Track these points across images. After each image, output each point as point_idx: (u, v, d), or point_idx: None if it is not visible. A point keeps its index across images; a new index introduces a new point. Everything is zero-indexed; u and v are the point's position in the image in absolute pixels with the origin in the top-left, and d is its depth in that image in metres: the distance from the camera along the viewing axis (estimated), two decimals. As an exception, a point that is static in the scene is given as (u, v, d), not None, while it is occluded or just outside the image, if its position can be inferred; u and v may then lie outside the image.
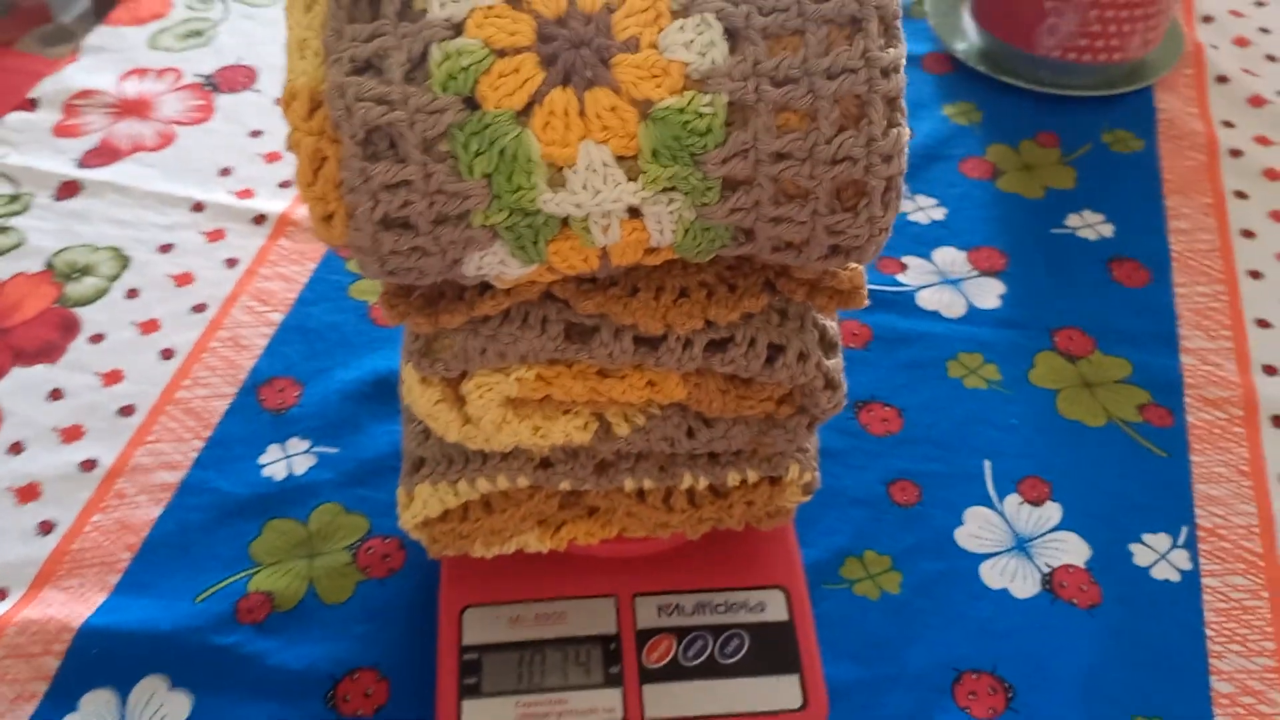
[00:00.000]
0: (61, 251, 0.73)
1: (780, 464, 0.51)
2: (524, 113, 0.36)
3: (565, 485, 0.51)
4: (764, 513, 0.53)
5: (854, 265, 0.45)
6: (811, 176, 0.37)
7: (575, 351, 0.45)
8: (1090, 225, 0.77)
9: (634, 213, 0.39)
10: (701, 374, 0.47)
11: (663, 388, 0.47)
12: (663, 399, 0.47)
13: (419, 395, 0.47)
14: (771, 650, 0.54)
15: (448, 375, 0.46)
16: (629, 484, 0.51)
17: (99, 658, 0.55)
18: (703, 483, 0.51)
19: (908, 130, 0.38)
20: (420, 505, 0.51)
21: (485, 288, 0.44)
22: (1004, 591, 0.58)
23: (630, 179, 0.37)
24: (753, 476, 0.51)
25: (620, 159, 0.37)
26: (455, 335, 0.45)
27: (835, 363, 0.47)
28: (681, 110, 0.36)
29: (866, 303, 0.46)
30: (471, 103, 0.36)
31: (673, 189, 0.38)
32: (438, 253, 0.39)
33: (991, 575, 0.59)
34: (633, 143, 0.37)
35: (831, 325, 0.48)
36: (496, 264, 0.40)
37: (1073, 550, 0.60)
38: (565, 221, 0.39)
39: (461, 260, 0.40)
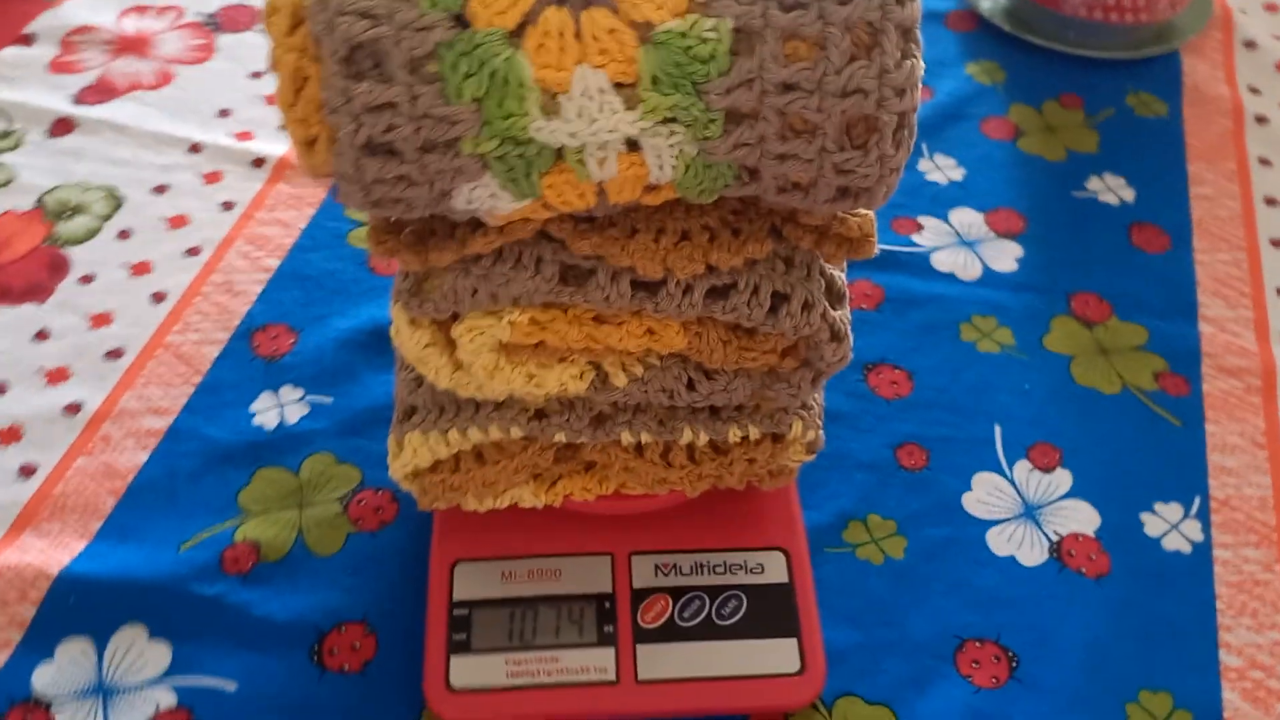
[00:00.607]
0: (53, 190, 0.72)
1: (783, 420, 0.49)
2: (516, 33, 0.34)
3: (561, 437, 0.49)
4: (765, 471, 0.52)
5: (863, 211, 0.43)
6: (820, 110, 0.35)
7: (570, 294, 0.43)
8: (1111, 189, 0.75)
9: (632, 145, 0.37)
10: (702, 323, 0.45)
11: (662, 336, 0.45)
12: (662, 348, 0.45)
13: (408, 337, 0.45)
14: (770, 613, 0.52)
15: (437, 317, 0.44)
16: (626, 437, 0.49)
17: (77, 605, 0.53)
18: (703, 438, 0.49)
19: (922, 64, 0.36)
20: (410, 454, 0.49)
21: (478, 225, 0.42)
22: (1011, 559, 0.56)
23: (628, 108, 0.35)
24: (755, 433, 0.50)
25: (618, 86, 0.35)
26: (446, 274, 0.43)
27: (842, 314, 0.45)
28: (684, 34, 0.34)
29: (876, 251, 0.44)
30: (461, 20, 0.34)
31: (673, 120, 0.36)
32: (425, 183, 0.38)
33: (999, 542, 0.57)
34: (631, 68, 0.35)
35: (839, 275, 0.46)
36: (488, 198, 0.38)
37: (1082, 518, 0.58)
38: (559, 153, 0.37)
39: (451, 192, 0.38)
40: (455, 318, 0.45)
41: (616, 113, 0.35)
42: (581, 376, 0.47)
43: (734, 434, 0.49)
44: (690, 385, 0.47)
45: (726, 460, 0.51)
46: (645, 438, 0.49)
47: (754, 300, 0.43)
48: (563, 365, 0.46)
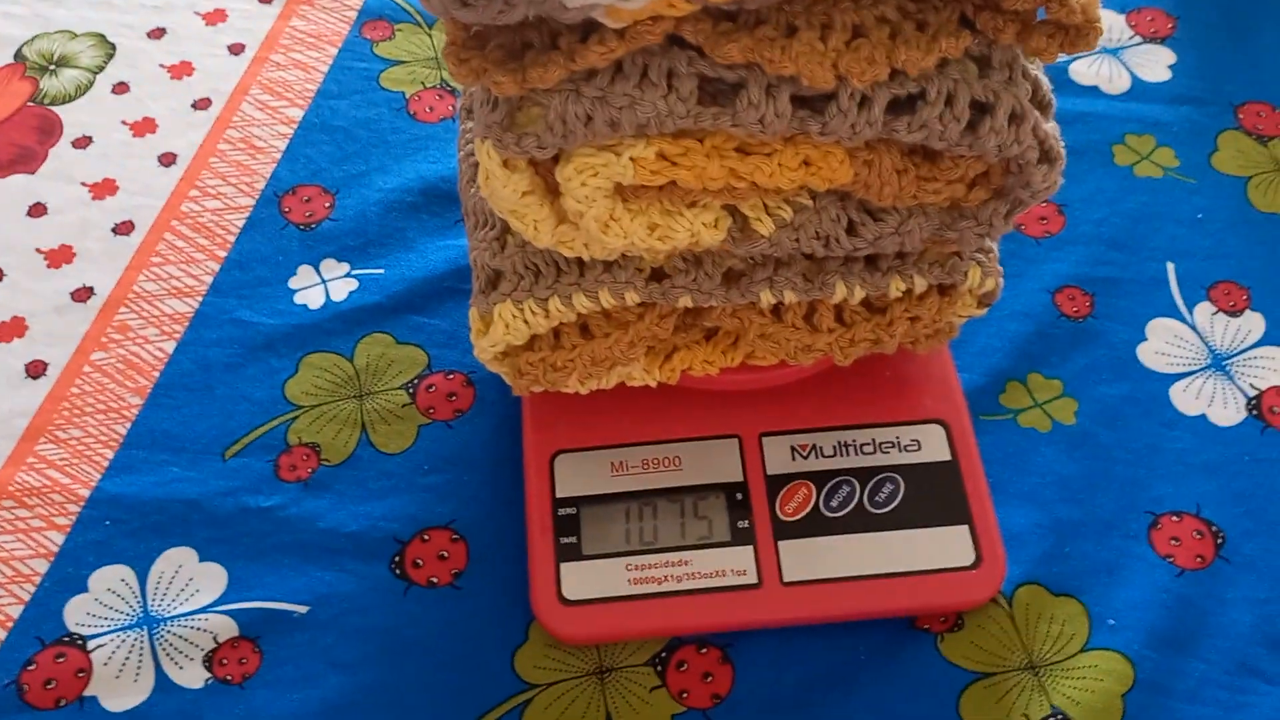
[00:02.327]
0: (33, 40, 0.62)
1: (957, 268, 0.40)
2: None
3: (685, 302, 0.40)
4: (926, 332, 0.43)
5: (1090, -15, 0.33)
6: None
7: (714, 118, 0.34)
8: (1273, -23, 0.64)
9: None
10: (873, 148, 0.36)
11: (822, 168, 0.36)
12: (820, 184, 0.36)
13: (501, 184, 0.36)
14: (933, 496, 0.44)
15: (539, 155, 0.35)
16: (766, 298, 0.40)
17: (111, 529, 0.45)
18: (859, 294, 0.40)
19: None
20: (501, 330, 0.41)
21: (589, 31, 0.32)
22: (1202, 418, 0.48)
23: None
24: (920, 285, 0.41)
25: None
26: (550, 99, 0.34)
27: (1052, 126, 0.36)
28: None
29: (1098, 41, 0.34)
30: None
31: None
32: (535, -34, 0.28)
33: (1185, 400, 0.49)
34: None
35: (1044, 79, 0.37)
36: (614, -14, 0.29)
37: (1283, 368, 0.49)
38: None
39: (567, -20, 0.29)
40: (561, 156, 0.35)
41: None
42: (716, 224, 0.37)
43: (896, 287, 0.40)
44: (851, 229, 0.38)
45: (884, 320, 0.42)
46: (789, 297, 0.40)
47: (949, 113, 0.34)
48: (694, 211, 0.37)
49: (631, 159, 0.35)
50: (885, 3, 0.34)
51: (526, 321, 0.40)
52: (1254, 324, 0.51)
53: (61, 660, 0.43)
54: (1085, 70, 0.60)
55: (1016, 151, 0.35)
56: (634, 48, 0.32)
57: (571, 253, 0.38)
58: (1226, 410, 0.48)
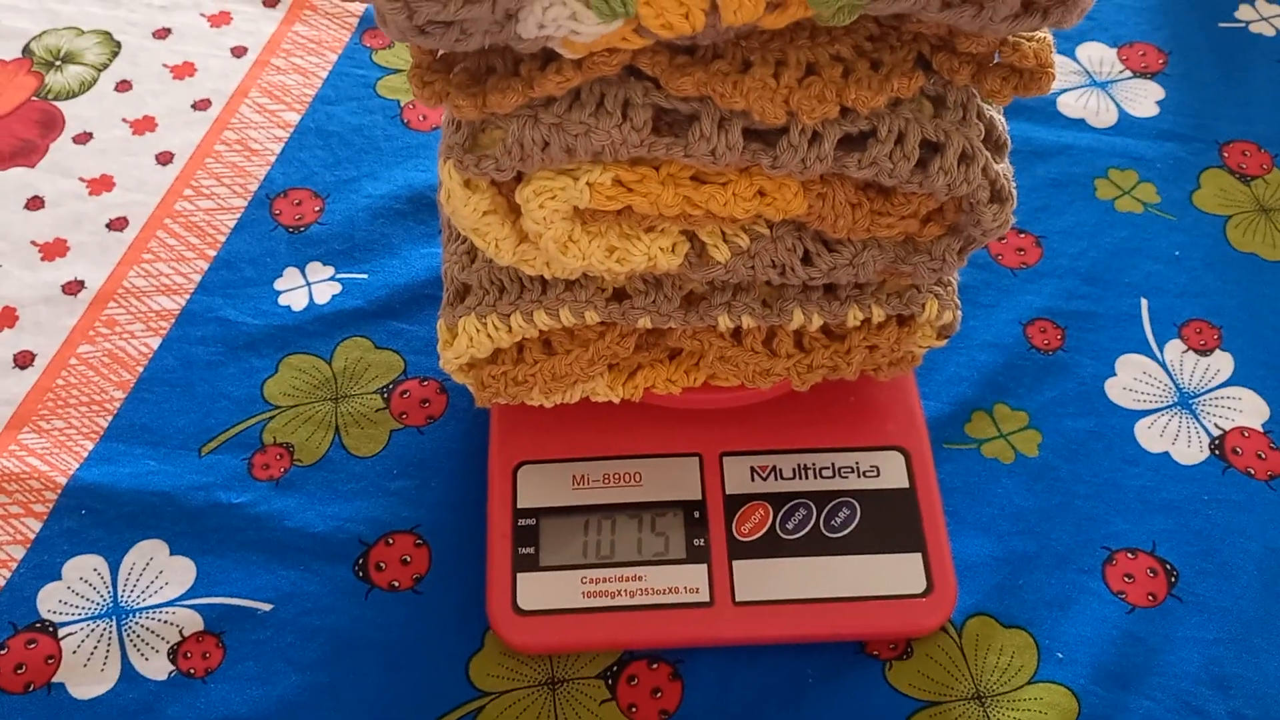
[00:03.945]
0: (40, 36, 0.63)
1: (914, 300, 0.41)
2: None
3: (645, 323, 0.41)
4: (886, 360, 0.43)
5: (1041, 32, 0.34)
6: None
7: (666, 147, 0.34)
8: (1267, 18, 0.64)
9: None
10: (828, 181, 0.36)
11: (777, 199, 0.36)
12: (775, 214, 0.37)
13: (462, 203, 0.37)
14: (888, 523, 0.45)
15: (499, 177, 0.36)
16: (724, 322, 0.41)
17: (86, 518, 0.46)
18: (816, 322, 0.41)
19: None
20: (465, 343, 0.42)
21: (549, 59, 0.33)
22: (1165, 456, 0.48)
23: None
24: (878, 315, 0.41)
25: None
26: (509, 123, 0.34)
27: (1004, 168, 0.36)
28: None
29: (1052, 86, 0.34)
30: None
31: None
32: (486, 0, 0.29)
33: (1149, 437, 0.49)
34: None
35: (999, 119, 0.37)
36: (565, 20, 0.30)
37: (1248, 409, 0.50)
38: (666, -48, 0.27)
39: (518, 13, 0.30)
40: (520, 178, 0.36)
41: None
42: (673, 249, 0.38)
43: (854, 316, 0.41)
44: (807, 259, 0.38)
45: (843, 348, 0.42)
46: (747, 322, 0.41)
47: (899, 151, 0.35)
48: (651, 236, 0.38)
49: (588, 184, 0.36)
50: (841, 41, 0.34)
51: (490, 336, 0.41)
52: (1223, 363, 0.51)
53: (32, 646, 0.44)
54: (1073, 103, 0.60)
55: (966, 190, 0.35)
56: (590, 78, 0.33)
57: (533, 271, 0.39)
58: (1190, 449, 0.49)
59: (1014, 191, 0.36)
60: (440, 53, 0.35)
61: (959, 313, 0.42)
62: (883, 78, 0.34)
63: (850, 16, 0.31)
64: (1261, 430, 0.49)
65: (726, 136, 0.34)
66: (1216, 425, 0.49)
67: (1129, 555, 0.46)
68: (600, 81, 0.34)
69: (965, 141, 0.35)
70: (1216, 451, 0.49)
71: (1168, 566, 0.46)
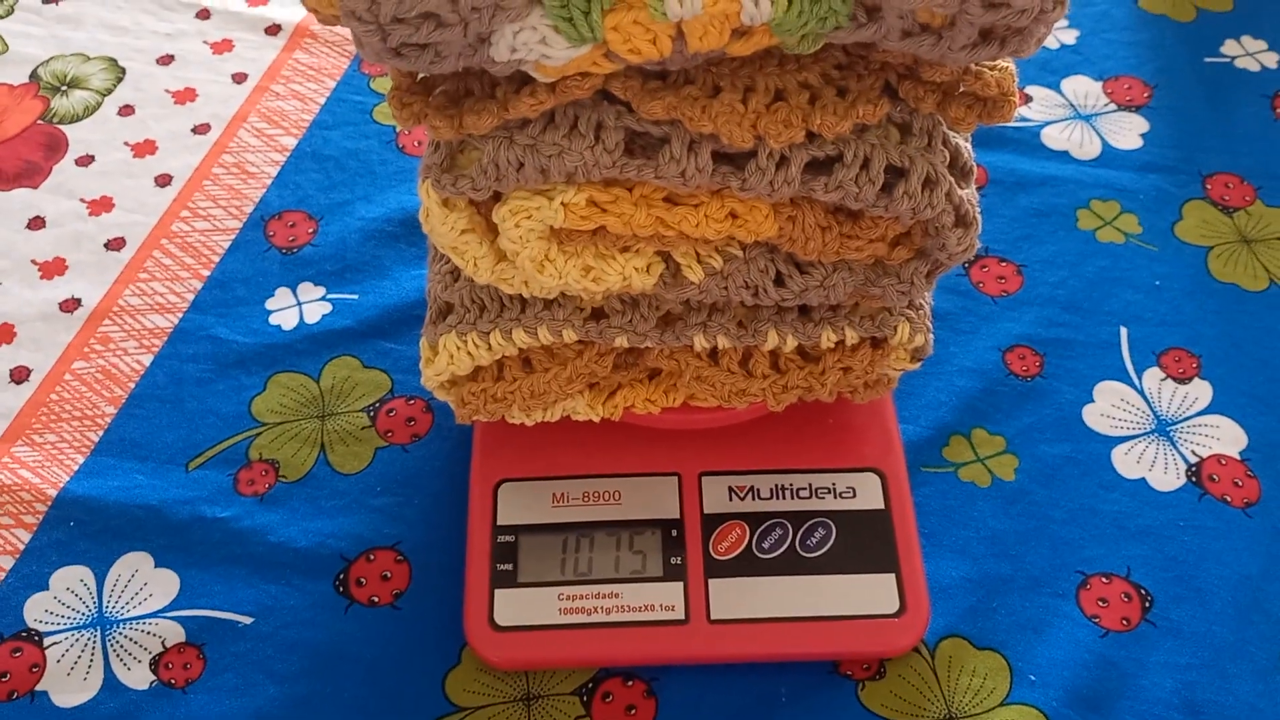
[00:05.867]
0: (49, 61, 0.64)
1: (886, 322, 0.42)
2: None
3: (621, 342, 0.42)
4: (861, 382, 0.44)
5: (1004, 63, 0.35)
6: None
7: (638, 169, 0.35)
8: (1250, 54, 0.65)
9: (723, -31, 0.28)
10: (797, 204, 0.37)
11: (748, 221, 0.37)
12: (746, 236, 0.38)
13: (440, 222, 0.38)
14: (863, 544, 0.45)
15: (475, 196, 0.37)
16: (700, 342, 0.42)
17: (75, 530, 0.47)
18: (790, 343, 0.42)
19: None
20: (446, 360, 0.42)
21: (524, 83, 0.34)
22: (1141, 482, 0.49)
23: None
24: (852, 337, 0.42)
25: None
26: (485, 145, 0.35)
27: (969, 193, 0.37)
28: None
29: (1014, 115, 0.35)
30: None
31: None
32: (458, 23, 0.30)
33: (1126, 463, 0.49)
34: None
35: (965, 146, 0.38)
36: (536, 44, 0.31)
37: (1225, 437, 0.50)
38: (629, -21, 0.28)
39: (490, 36, 0.31)
40: (497, 198, 0.37)
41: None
42: (648, 269, 0.39)
43: (828, 338, 0.42)
44: (779, 280, 0.39)
45: (817, 369, 0.43)
46: (722, 342, 0.42)
47: (864, 175, 0.35)
48: (626, 256, 0.39)
49: (563, 204, 0.36)
50: (809, 69, 0.35)
51: (470, 353, 0.42)
52: (1201, 392, 0.51)
53: (18, 655, 0.45)
54: (1057, 135, 0.61)
55: (930, 215, 0.36)
56: (563, 101, 0.34)
57: (511, 289, 0.40)
58: (1166, 475, 0.49)
59: (978, 216, 0.37)
60: (420, 76, 0.36)
61: (931, 336, 0.43)
62: (849, 104, 0.35)
63: (814, 45, 0.32)
64: (1238, 458, 0.49)
65: (696, 159, 0.35)
66: (1194, 452, 0.50)
67: (1103, 580, 0.46)
68: (574, 105, 0.35)
69: (929, 167, 0.36)
70: (1194, 478, 0.49)
71: (1142, 591, 0.46)
